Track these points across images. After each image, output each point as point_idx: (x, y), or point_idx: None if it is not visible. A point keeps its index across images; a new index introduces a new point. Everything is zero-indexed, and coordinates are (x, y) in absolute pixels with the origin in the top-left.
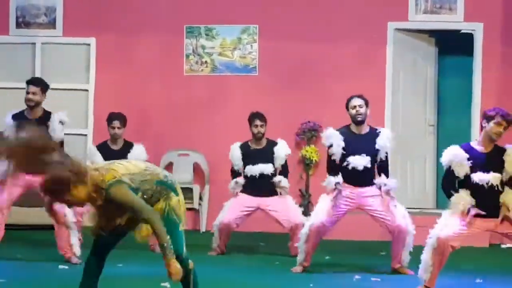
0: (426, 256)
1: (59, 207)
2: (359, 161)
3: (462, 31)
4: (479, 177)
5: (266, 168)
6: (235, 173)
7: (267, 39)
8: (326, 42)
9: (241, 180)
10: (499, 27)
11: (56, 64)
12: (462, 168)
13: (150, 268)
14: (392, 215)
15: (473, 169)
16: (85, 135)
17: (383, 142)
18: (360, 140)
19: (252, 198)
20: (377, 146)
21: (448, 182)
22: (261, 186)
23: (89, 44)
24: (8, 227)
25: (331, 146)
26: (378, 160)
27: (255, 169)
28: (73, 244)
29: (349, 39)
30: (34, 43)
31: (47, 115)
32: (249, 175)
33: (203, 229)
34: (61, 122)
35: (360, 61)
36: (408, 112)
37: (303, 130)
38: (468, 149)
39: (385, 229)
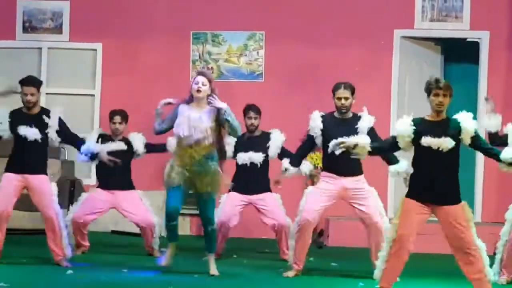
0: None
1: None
2: None
3: (468, 40)
4: None
5: (256, 157)
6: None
7: (273, 45)
8: (332, 49)
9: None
10: (505, 35)
11: (62, 69)
12: None
13: (155, 273)
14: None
15: None
16: None
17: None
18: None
19: (243, 196)
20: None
21: None
22: (251, 180)
23: (95, 50)
24: (12, 231)
25: None
26: None
27: (245, 157)
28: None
29: (355, 46)
30: (40, 48)
31: (45, 111)
32: (240, 163)
33: None
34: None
35: (366, 68)
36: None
37: None
38: None
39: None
